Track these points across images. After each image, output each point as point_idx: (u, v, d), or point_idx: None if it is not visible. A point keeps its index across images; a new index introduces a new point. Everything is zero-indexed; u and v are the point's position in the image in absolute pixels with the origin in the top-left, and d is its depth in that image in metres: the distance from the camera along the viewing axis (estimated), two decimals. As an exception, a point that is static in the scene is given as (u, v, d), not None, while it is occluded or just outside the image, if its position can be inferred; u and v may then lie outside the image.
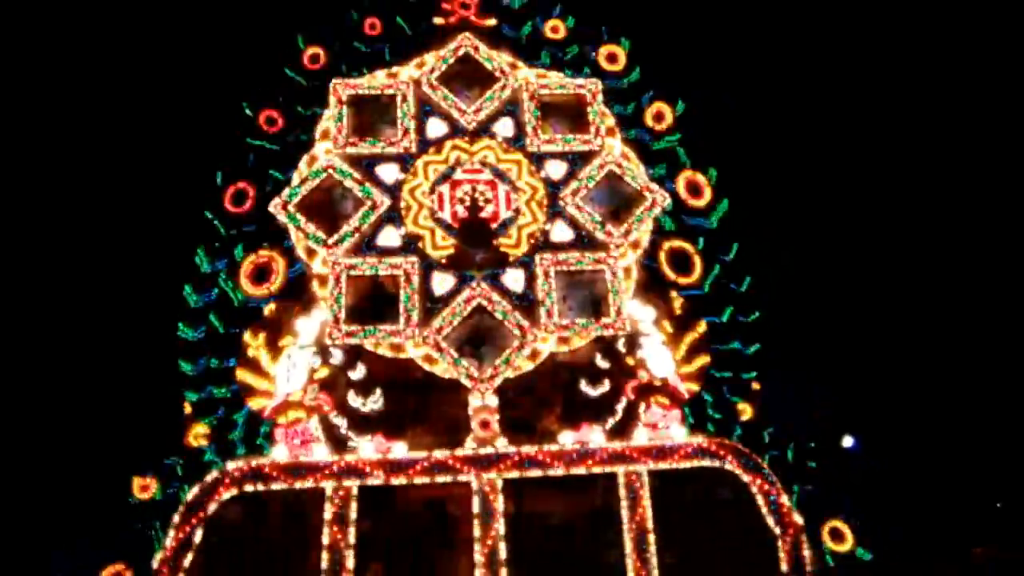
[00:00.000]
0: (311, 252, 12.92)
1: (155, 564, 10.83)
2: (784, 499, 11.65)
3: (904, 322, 20.66)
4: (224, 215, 13.24)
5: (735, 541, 11.58)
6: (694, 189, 14.26)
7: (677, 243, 13.83)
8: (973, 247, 21.59)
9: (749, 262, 13.88)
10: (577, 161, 13.84)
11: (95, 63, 21.33)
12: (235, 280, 12.87)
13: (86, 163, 20.39)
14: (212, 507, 11.14)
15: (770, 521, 11.60)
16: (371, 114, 13.96)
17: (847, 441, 15.77)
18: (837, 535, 11.93)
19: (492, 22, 14.93)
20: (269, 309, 12.76)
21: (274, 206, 12.86)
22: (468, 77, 14.40)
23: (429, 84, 13.96)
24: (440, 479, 11.52)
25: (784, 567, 11.43)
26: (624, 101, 14.76)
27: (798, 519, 11.64)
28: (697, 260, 13.76)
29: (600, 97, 14.23)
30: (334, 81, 13.81)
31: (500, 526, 11.27)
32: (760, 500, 11.66)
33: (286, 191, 13.00)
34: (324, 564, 10.93)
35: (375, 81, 14.01)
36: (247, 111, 13.91)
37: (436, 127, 13.86)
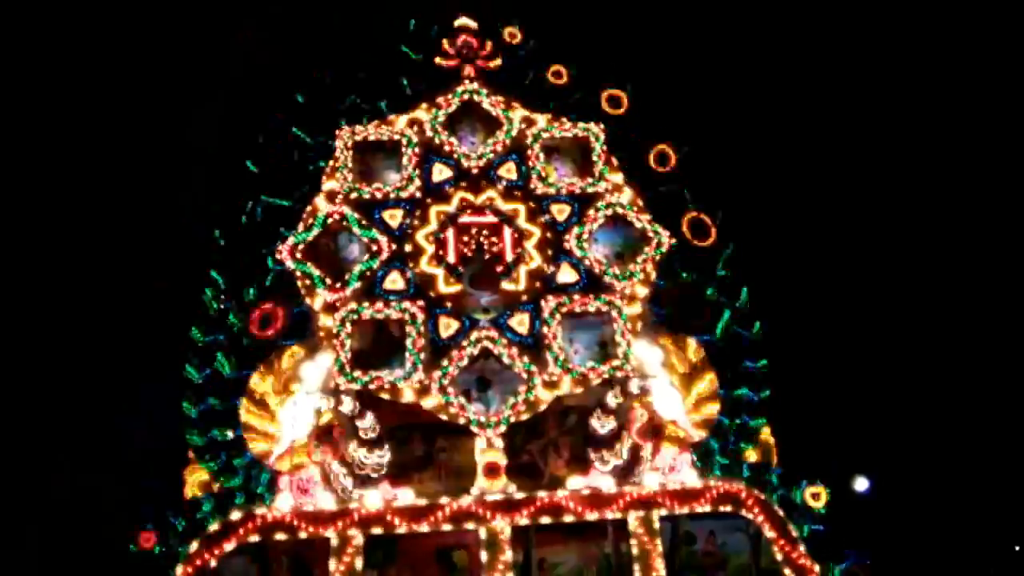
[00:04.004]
0: (317, 297, 12.88)
1: None
2: (801, 548, 11.40)
3: (915, 361, 20.49)
4: (231, 268, 13.26)
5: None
6: (699, 230, 14.27)
7: (683, 285, 13.80)
8: (993, 286, 21.46)
9: (758, 305, 13.81)
10: (581, 204, 13.89)
11: (114, 107, 21.71)
12: (243, 323, 12.83)
13: (95, 209, 20.58)
14: (214, 559, 10.90)
15: (785, 568, 11.35)
16: (376, 160, 14.08)
17: (860, 484, 15.48)
18: None
19: (496, 63, 15.06)
20: (275, 354, 12.66)
21: (281, 252, 12.88)
22: (472, 121, 14.57)
23: (433, 129, 14.09)
24: (447, 527, 11.32)
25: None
26: (627, 144, 14.83)
27: (812, 564, 11.39)
28: (705, 303, 13.70)
29: (602, 140, 14.34)
30: (339, 129, 13.95)
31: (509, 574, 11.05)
32: (773, 545, 11.42)
33: (292, 237, 13.03)
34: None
35: (380, 127, 14.13)
36: (251, 168, 13.98)
37: (441, 171, 13.93)
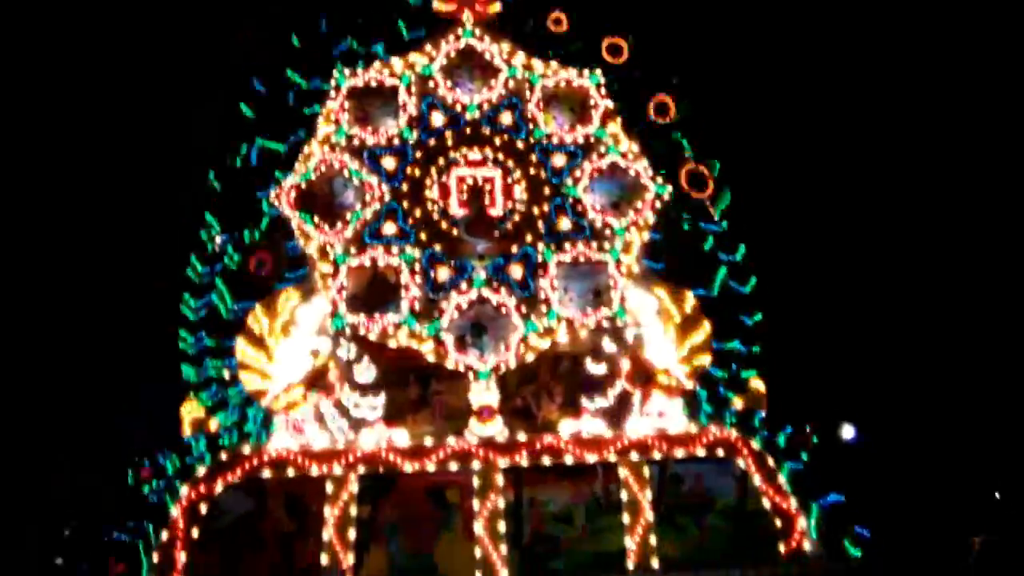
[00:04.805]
0: (312, 242, 12.91)
1: (153, 556, 10.86)
2: (781, 478, 11.70)
3: (904, 315, 20.69)
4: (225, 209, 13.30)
5: (734, 528, 11.66)
6: (697, 181, 14.25)
7: (681, 236, 13.85)
8: (977, 241, 21.58)
9: (753, 258, 13.87)
10: (579, 152, 13.85)
11: (96, 59, 21.57)
12: (241, 262, 12.94)
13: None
14: (211, 495, 11.17)
15: (768, 507, 11.65)
16: (373, 105, 13.97)
17: (847, 432, 15.69)
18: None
19: (495, 9, 14.82)
20: (272, 296, 12.74)
21: (275, 197, 12.90)
22: (470, 67, 14.41)
23: (431, 76, 13.96)
24: (441, 466, 11.56)
25: (782, 551, 11.50)
26: (626, 92, 14.72)
27: (794, 504, 11.68)
28: (702, 254, 13.78)
29: (602, 89, 14.23)
30: (336, 73, 13.81)
31: (500, 512, 11.34)
32: (760, 487, 11.70)
33: (288, 181, 13.02)
34: (324, 553, 11.01)
35: (377, 73, 14.00)
36: (247, 112, 13.87)
37: (438, 118, 13.84)
